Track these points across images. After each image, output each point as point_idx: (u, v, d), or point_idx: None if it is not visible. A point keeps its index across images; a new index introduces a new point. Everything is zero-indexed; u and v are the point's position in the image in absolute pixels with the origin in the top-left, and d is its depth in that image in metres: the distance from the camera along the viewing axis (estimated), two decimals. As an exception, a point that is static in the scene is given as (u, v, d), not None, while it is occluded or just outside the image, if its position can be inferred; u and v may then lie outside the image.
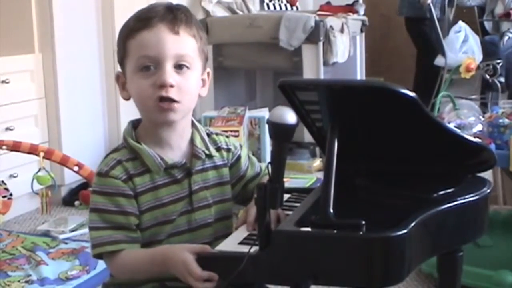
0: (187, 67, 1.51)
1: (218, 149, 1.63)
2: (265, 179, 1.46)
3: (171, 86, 1.47)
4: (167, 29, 1.49)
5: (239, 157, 1.66)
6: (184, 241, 1.52)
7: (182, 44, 1.51)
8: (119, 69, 1.57)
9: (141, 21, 1.50)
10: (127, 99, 1.56)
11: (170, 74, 1.48)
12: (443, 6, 6.05)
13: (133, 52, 1.50)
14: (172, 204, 1.53)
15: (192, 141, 1.58)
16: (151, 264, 1.44)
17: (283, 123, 1.33)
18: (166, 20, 1.50)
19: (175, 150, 1.56)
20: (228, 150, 1.65)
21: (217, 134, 1.66)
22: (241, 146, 1.69)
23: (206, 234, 1.57)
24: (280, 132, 1.34)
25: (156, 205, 1.51)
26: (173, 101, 1.48)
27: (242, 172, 1.67)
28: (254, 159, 1.72)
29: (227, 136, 1.68)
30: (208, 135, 1.63)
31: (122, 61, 1.54)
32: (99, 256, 1.51)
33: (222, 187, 1.61)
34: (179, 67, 1.50)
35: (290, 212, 1.49)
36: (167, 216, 1.52)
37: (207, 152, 1.59)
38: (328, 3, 5.87)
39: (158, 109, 1.48)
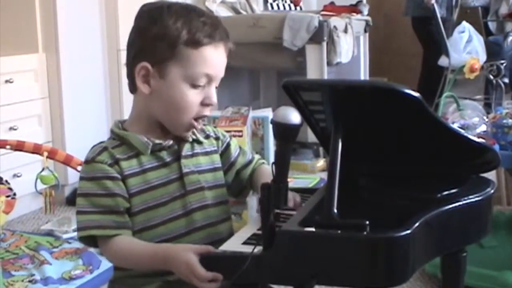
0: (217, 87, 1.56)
1: (207, 137, 1.65)
2: (267, 174, 1.46)
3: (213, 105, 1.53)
4: (223, 49, 1.53)
5: (228, 144, 1.68)
6: (181, 226, 1.53)
7: (225, 65, 1.55)
8: (145, 63, 1.50)
9: (208, 37, 1.48)
10: (145, 93, 1.52)
11: (215, 94, 1.53)
12: (450, 6, 6.04)
13: (191, 63, 1.48)
14: (162, 187, 1.53)
15: None
16: (151, 260, 1.44)
17: (287, 123, 1.33)
18: (226, 42, 1.53)
19: (164, 135, 1.57)
20: (217, 138, 1.67)
21: (204, 124, 1.67)
22: (230, 137, 1.71)
23: (202, 218, 1.56)
24: (284, 132, 1.34)
25: (145, 189, 1.52)
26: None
27: (232, 158, 1.68)
28: (245, 149, 1.74)
29: (215, 126, 1.71)
30: None
31: (164, 59, 1.49)
32: (85, 240, 1.51)
33: (215, 173, 1.62)
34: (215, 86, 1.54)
35: (294, 212, 1.49)
36: (158, 199, 1.52)
37: (194, 137, 1.60)
38: (332, 3, 5.86)
39: (192, 124, 1.53)
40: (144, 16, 1.53)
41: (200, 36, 1.48)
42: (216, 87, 1.55)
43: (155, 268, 1.45)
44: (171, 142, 1.56)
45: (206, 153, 1.62)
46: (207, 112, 1.53)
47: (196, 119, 1.53)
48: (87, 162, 1.53)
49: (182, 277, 1.37)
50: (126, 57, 1.57)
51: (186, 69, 1.49)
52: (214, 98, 1.52)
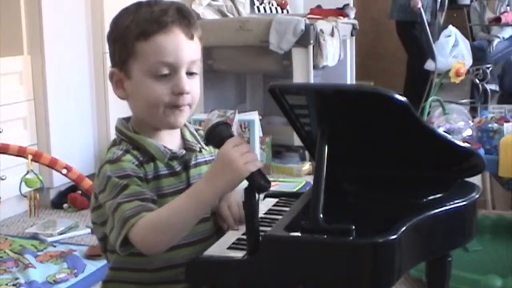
0: (196, 73, 1.50)
1: (207, 144, 1.60)
2: None
3: (187, 93, 1.46)
4: (183, 34, 1.46)
5: None
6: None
7: (195, 50, 1.49)
8: (113, 69, 1.50)
9: (155, 23, 1.44)
10: (123, 98, 1.51)
11: (186, 81, 1.46)
12: (434, 11, 6.08)
13: (146, 55, 1.45)
14: (171, 196, 1.48)
15: (182, 136, 1.57)
16: (186, 204, 1.37)
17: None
18: (183, 25, 1.47)
19: (169, 143, 1.53)
20: None
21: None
22: None
23: (203, 230, 1.52)
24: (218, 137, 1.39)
25: (157, 195, 1.47)
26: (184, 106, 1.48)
27: None
28: None
29: None
30: (196, 130, 1.62)
31: (125, 60, 1.47)
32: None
33: None
34: (190, 74, 1.48)
35: (278, 217, 1.49)
36: None
37: (199, 145, 1.57)
38: (319, 6, 5.87)
39: (169, 114, 1.47)
40: (111, 27, 1.52)
41: (147, 26, 1.44)
42: (196, 73, 1.49)
43: (197, 213, 1.38)
44: (183, 151, 1.53)
45: (206, 163, 1.58)
46: (180, 101, 1.46)
47: (172, 109, 1.47)
48: (113, 161, 1.44)
49: (233, 176, 1.34)
50: None
51: (143, 64, 1.45)
52: (184, 85, 1.45)
